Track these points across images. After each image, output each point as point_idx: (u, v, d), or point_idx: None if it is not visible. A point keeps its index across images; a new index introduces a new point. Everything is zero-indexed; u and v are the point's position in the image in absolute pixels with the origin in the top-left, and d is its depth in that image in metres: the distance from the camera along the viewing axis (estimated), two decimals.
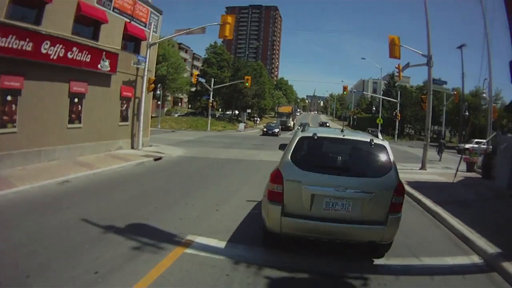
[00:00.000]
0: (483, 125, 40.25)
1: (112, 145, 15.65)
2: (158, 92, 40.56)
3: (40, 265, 4.15)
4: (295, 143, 4.87)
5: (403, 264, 4.90)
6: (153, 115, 58.26)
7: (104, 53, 13.87)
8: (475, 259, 5.33)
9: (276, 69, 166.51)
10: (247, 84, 37.78)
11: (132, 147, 17.40)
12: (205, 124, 41.61)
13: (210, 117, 42.57)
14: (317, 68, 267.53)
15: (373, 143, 4.81)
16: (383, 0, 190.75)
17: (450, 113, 41.57)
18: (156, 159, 14.72)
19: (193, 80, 36.91)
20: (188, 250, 4.91)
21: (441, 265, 5.02)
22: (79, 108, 13.33)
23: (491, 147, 15.28)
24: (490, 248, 5.40)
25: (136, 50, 17.69)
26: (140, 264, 4.33)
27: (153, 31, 18.67)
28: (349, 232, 4.54)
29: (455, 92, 36.01)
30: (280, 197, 4.55)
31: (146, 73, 17.80)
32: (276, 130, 40.00)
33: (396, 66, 20.79)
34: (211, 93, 42.21)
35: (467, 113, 37.24)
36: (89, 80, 13.45)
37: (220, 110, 61.80)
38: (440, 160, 22.88)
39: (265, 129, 40.31)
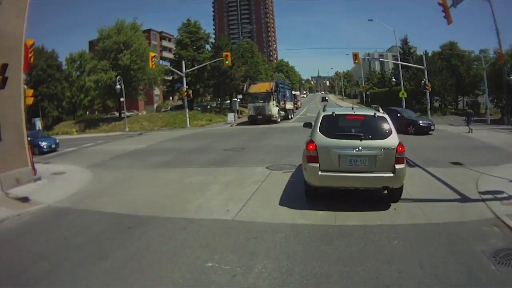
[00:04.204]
0: None
1: None
2: (118, 86, 32.81)
3: None
4: (320, 120, 6.83)
5: None
6: (139, 113, 50.76)
7: None
8: None
9: (274, 52, 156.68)
10: (227, 62, 29.20)
11: None
12: (185, 120, 33.91)
13: (187, 110, 34.04)
14: (317, 49, 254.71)
15: (376, 116, 6.76)
16: None
17: (488, 79, 32.79)
18: None
19: (150, 64, 28.71)
20: None
21: None
22: None
23: None
24: None
25: None
26: None
27: None
28: (368, 181, 6.42)
29: (499, 51, 27.69)
30: (316, 159, 6.48)
31: None
32: None
33: (440, 1, 12.67)
34: (184, 79, 33.88)
35: (511, 77, 28.99)
36: None
37: (218, 99, 51.99)
38: (470, 131, 19.95)
39: None
